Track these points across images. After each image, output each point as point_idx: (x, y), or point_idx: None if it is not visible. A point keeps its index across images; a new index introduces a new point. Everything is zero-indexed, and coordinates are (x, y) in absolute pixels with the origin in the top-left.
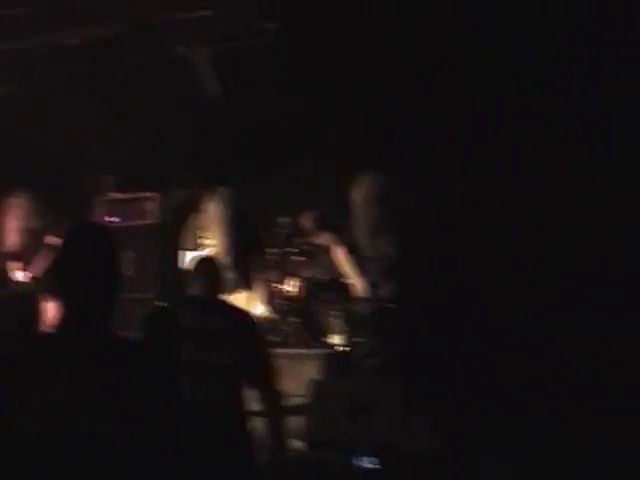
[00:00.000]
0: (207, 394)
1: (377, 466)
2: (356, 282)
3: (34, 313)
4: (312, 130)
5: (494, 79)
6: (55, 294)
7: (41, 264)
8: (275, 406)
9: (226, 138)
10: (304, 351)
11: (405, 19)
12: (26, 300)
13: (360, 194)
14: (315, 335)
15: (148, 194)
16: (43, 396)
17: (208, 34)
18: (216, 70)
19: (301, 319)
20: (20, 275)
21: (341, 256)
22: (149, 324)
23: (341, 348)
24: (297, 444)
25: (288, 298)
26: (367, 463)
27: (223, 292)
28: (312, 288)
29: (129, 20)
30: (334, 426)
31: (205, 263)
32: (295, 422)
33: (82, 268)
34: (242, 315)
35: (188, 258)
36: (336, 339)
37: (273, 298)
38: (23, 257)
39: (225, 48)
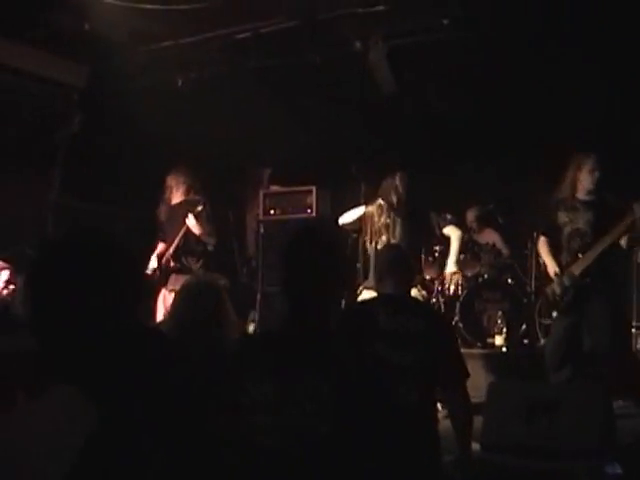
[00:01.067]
0: (403, 395)
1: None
2: (548, 264)
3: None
4: (483, 129)
5: None
6: (282, 290)
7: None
8: (465, 409)
9: (392, 134)
10: (467, 350)
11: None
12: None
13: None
14: (478, 334)
15: (307, 187)
16: (260, 393)
17: (384, 30)
18: (392, 67)
19: (463, 318)
20: (154, 261)
21: (541, 244)
22: (346, 323)
23: (504, 349)
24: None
25: (448, 296)
26: (611, 469)
27: (411, 286)
28: (476, 286)
29: (302, 15)
30: (511, 429)
31: (394, 255)
32: None
33: (307, 267)
34: (437, 316)
35: (344, 217)
36: (499, 339)
37: (432, 296)
38: (165, 236)
39: (401, 44)
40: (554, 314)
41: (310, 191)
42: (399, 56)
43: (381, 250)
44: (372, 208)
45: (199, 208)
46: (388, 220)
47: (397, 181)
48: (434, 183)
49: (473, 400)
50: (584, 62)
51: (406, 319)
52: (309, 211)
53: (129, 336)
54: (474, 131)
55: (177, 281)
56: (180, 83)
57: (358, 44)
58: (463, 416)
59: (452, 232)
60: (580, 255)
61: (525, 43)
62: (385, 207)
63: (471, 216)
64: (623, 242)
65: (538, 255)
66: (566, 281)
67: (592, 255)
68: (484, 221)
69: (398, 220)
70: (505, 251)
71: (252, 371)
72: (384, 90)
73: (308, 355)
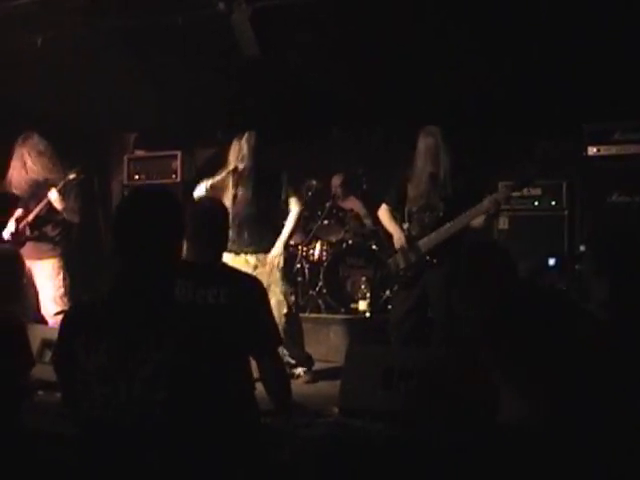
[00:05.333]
0: None
1: None
2: (394, 233)
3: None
4: (347, 93)
5: None
6: (115, 253)
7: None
8: (278, 378)
9: (258, 98)
10: (330, 316)
11: None
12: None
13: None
14: (341, 300)
15: (172, 152)
16: (92, 363)
17: None
18: (255, 29)
19: (327, 283)
20: (12, 225)
21: (382, 212)
22: None
23: (367, 314)
24: (331, 410)
25: (312, 262)
26: None
27: (223, 250)
28: (340, 252)
29: None
30: (369, 394)
31: (201, 216)
32: (327, 388)
33: (138, 229)
34: (245, 283)
35: (196, 190)
36: (363, 305)
37: (295, 261)
38: (27, 204)
39: (265, 6)
40: (395, 287)
41: (175, 156)
42: (263, 18)
43: (190, 209)
44: (219, 179)
45: (62, 184)
46: (234, 190)
47: (243, 141)
48: (300, 148)
49: (336, 365)
50: (463, 34)
51: (207, 291)
52: (174, 176)
53: None
54: (343, 96)
55: (33, 250)
56: (39, 43)
57: (222, 5)
58: (276, 386)
59: (292, 206)
60: (430, 231)
61: (398, 6)
62: (231, 177)
63: (336, 182)
64: (477, 223)
65: (379, 223)
66: (412, 257)
67: (443, 235)
68: (348, 187)
69: (244, 189)
70: (367, 218)
71: (83, 340)
72: (247, 53)
73: (139, 320)
